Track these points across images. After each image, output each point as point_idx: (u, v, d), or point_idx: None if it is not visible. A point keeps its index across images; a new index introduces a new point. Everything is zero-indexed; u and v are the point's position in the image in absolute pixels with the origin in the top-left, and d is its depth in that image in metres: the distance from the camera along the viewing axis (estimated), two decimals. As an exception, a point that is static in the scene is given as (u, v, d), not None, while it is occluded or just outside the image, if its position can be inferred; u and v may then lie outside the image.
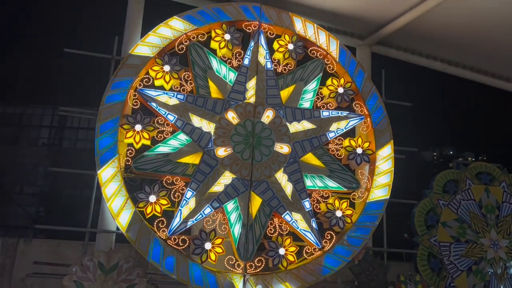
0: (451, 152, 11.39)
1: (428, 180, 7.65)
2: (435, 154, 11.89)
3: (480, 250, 7.23)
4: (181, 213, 5.75)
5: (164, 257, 5.57)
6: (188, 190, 5.85)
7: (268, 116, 6.36)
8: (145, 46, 6.25)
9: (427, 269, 7.03)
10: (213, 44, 6.54)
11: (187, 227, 5.80)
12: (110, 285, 5.32)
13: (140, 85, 6.14)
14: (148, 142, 5.96)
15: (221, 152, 6.07)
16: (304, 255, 6.10)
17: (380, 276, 6.34)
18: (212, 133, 6.10)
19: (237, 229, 5.88)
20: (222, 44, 6.51)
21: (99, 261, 5.40)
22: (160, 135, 6.03)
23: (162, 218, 5.72)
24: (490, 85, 9.74)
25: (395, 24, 8.06)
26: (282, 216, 6.08)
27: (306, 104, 6.67)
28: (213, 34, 6.53)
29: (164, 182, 5.85)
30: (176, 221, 5.73)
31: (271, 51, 6.74)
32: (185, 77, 6.33)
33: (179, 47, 6.41)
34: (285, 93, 6.60)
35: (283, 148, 6.30)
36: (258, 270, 5.84)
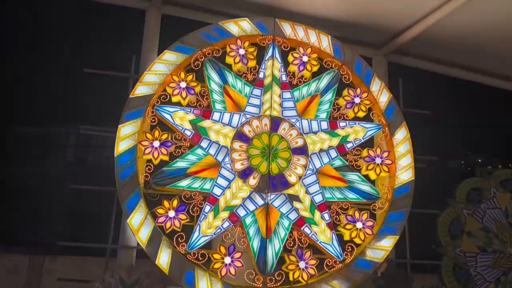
0: (474, 160, 11.13)
1: (452, 189, 7.48)
2: (457, 162, 11.65)
3: (508, 260, 7.01)
4: (200, 227, 5.78)
5: (184, 271, 5.58)
6: (206, 204, 5.89)
7: (284, 128, 6.37)
8: (161, 64, 6.37)
9: (453, 280, 6.84)
10: (228, 59, 6.62)
11: (206, 241, 5.81)
12: (131, 300, 5.36)
13: (157, 102, 6.25)
14: (166, 158, 6.04)
15: (238, 165, 6.10)
16: (325, 268, 6.03)
17: (403, 288, 6.21)
18: (229, 147, 6.15)
19: (256, 243, 5.87)
20: (237, 59, 6.58)
21: (120, 277, 5.45)
22: (178, 150, 6.11)
23: (182, 233, 5.76)
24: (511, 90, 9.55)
25: (410, 32, 8.01)
26: (301, 229, 6.05)
27: (323, 115, 6.66)
28: (228, 50, 6.62)
29: (182, 197, 5.90)
30: (195, 236, 5.76)
31: (285, 64, 6.78)
32: (201, 92, 6.41)
33: (195, 63, 6.51)
34: (300, 105, 6.62)
35: (300, 160, 6.29)
36: (278, 284, 5.80)
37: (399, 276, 6.36)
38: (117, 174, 5.82)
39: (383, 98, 6.91)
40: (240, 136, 6.23)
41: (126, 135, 6.00)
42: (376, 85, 6.92)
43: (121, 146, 5.95)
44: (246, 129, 6.27)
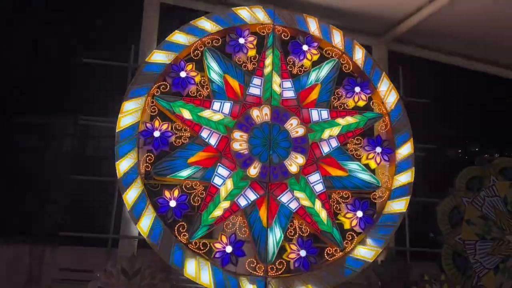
0: (474, 149, 11.17)
1: (452, 177, 7.49)
2: (457, 151, 11.68)
3: (506, 248, 7.05)
4: (201, 217, 5.79)
5: (185, 261, 5.61)
6: (208, 194, 5.90)
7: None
8: (161, 54, 6.33)
9: (452, 268, 6.88)
10: (228, 49, 6.58)
11: (208, 231, 5.83)
12: (133, 290, 5.38)
13: (157, 92, 6.22)
14: (166, 148, 6.03)
15: (239, 155, 6.09)
16: (326, 256, 6.06)
17: (403, 276, 6.25)
18: (230, 137, 6.13)
19: (257, 232, 5.89)
20: (237, 48, 6.54)
21: (122, 267, 5.46)
22: (178, 140, 6.10)
23: (183, 223, 5.77)
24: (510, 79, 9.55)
25: (411, 21, 7.98)
26: (302, 217, 6.07)
27: (323, 105, 6.64)
28: (227, 39, 6.58)
29: (183, 187, 5.90)
30: (197, 226, 5.77)
31: (285, 53, 6.74)
32: (201, 82, 6.38)
33: (195, 53, 6.46)
34: (301, 95, 6.59)
35: (300, 149, 6.30)
36: (280, 272, 5.84)
37: (398, 264, 6.39)
38: (118, 164, 5.80)
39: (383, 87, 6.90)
40: (240, 126, 6.21)
41: (126, 125, 5.98)
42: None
43: (121, 136, 5.92)
44: (247, 119, 6.25)
